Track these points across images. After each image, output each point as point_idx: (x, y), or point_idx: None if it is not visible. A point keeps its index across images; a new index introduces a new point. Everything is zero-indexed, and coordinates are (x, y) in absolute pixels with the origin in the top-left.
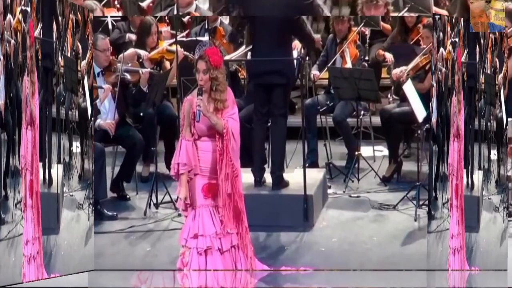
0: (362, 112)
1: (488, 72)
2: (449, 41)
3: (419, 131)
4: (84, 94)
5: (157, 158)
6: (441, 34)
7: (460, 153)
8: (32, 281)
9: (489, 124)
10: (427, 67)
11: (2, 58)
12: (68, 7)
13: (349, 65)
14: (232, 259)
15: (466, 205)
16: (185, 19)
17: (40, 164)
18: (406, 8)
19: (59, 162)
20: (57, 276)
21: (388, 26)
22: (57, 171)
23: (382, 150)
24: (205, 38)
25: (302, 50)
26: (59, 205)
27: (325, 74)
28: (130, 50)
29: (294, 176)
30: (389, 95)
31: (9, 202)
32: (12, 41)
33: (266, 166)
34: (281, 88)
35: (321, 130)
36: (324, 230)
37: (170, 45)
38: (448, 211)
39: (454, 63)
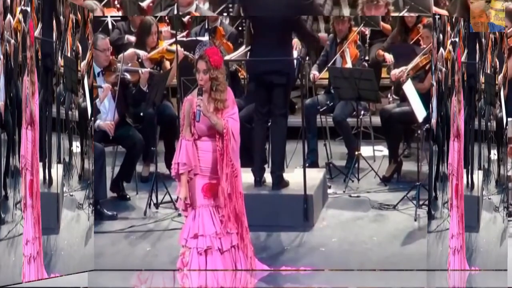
0: (362, 112)
1: (488, 72)
2: (449, 41)
3: (419, 131)
4: (84, 94)
5: (157, 158)
6: (441, 34)
7: (460, 153)
8: (32, 281)
9: (489, 124)
10: (427, 67)
11: (2, 57)
12: (68, 7)
13: (349, 65)
14: (232, 259)
15: (466, 205)
16: (185, 19)
17: (40, 164)
18: (406, 9)
19: (59, 162)
20: (57, 276)
21: (388, 26)
22: (57, 171)
23: (382, 150)
24: (205, 38)
25: (302, 50)
26: (59, 205)
27: (325, 74)
28: (130, 50)
29: (294, 176)
30: (389, 95)
31: (9, 202)
32: (12, 41)
33: (266, 166)
34: (281, 88)
35: (321, 130)
36: (324, 230)
37: (170, 45)
38: (448, 211)
39: (454, 63)
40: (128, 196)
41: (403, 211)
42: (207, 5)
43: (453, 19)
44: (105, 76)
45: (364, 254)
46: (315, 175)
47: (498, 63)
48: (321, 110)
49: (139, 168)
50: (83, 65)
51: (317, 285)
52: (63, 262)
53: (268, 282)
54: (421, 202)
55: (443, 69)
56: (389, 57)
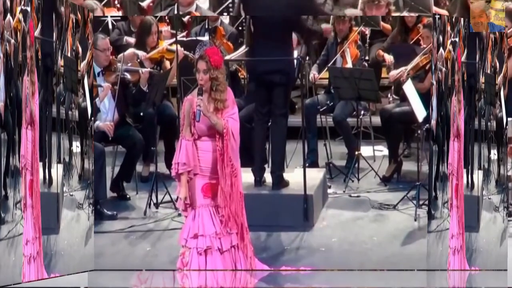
0: (362, 112)
1: (488, 72)
2: (449, 41)
3: (419, 131)
4: (84, 94)
5: (157, 158)
6: (441, 34)
7: (460, 153)
8: (32, 281)
9: (489, 124)
10: (427, 67)
11: (1, 56)
12: (68, 7)
13: (349, 65)
14: (232, 259)
15: (466, 205)
16: (185, 18)
17: (40, 164)
18: (406, 10)
19: (59, 162)
20: (57, 276)
21: (388, 26)
22: (57, 171)
23: (382, 150)
24: (205, 38)
25: (303, 50)
26: (59, 205)
27: (325, 74)
28: (129, 50)
29: (294, 176)
30: (389, 95)
31: (9, 202)
32: (12, 41)
33: (266, 165)
34: (281, 88)
35: (321, 130)
36: (324, 230)
37: (170, 44)
38: (448, 211)
39: (454, 62)
40: (128, 196)
41: (403, 211)
42: (207, 5)
43: (453, 19)
44: (105, 76)
45: (364, 254)
46: (315, 175)
47: (498, 63)
48: (321, 110)
49: (139, 168)
50: (83, 65)
51: (317, 285)
52: (63, 262)
53: (268, 282)
54: (421, 202)
55: (443, 69)
56: (388, 58)
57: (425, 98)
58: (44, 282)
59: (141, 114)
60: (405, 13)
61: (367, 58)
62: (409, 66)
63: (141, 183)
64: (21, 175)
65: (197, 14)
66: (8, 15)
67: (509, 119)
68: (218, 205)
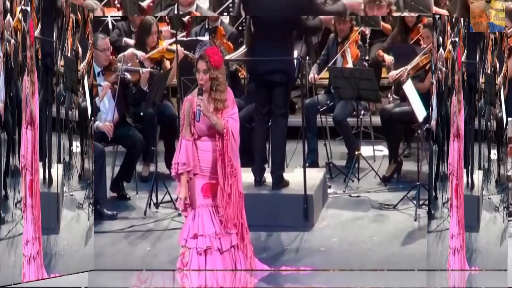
0: (362, 112)
1: (488, 72)
2: (449, 41)
3: (419, 131)
4: (84, 93)
5: (157, 158)
6: (441, 34)
7: (460, 153)
8: (32, 281)
9: (489, 123)
10: (427, 67)
11: (2, 55)
12: (68, 7)
13: (350, 65)
14: (232, 259)
15: (466, 205)
16: (185, 18)
17: (40, 164)
18: (406, 11)
19: (59, 161)
20: (57, 276)
21: (388, 26)
22: (57, 170)
23: (382, 150)
24: (206, 37)
25: (303, 50)
26: (59, 205)
27: (325, 73)
28: (129, 51)
29: (294, 175)
30: (389, 95)
31: (9, 202)
32: (12, 41)
33: (266, 165)
34: (281, 87)
35: (321, 130)
36: (324, 230)
37: (170, 44)
38: (448, 211)
39: (454, 62)
40: (128, 196)
41: (403, 211)
42: (207, 5)
43: (453, 19)
44: (105, 75)
45: (364, 254)
46: (315, 175)
47: (498, 63)
48: (321, 110)
49: (139, 168)
50: (83, 65)
51: (317, 285)
52: (63, 262)
53: (268, 282)
54: (421, 202)
55: (443, 69)
56: (388, 58)
57: (425, 98)
58: (44, 282)
59: (141, 114)
60: (405, 13)
61: (367, 58)
62: (409, 66)
63: (141, 183)
64: (21, 175)
65: (198, 14)
66: (8, 15)
67: (509, 119)
68: (218, 205)
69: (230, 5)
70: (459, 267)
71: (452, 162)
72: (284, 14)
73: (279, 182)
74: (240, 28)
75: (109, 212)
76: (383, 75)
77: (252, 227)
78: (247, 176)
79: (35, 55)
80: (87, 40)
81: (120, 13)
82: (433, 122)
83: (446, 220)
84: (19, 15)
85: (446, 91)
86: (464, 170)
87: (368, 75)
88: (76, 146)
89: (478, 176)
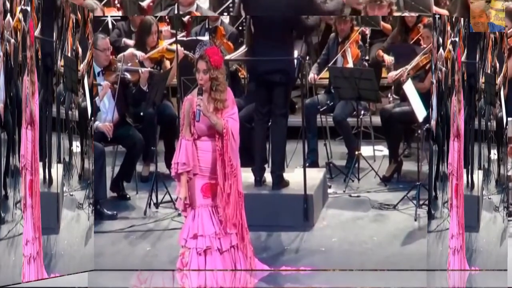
0: (362, 112)
1: (488, 71)
2: (449, 41)
3: (419, 131)
4: (84, 93)
5: (157, 158)
6: (441, 34)
7: (460, 153)
8: (32, 281)
9: (489, 123)
10: (427, 67)
11: (1, 54)
12: (69, 7)
13: (350, 65)
14: (232, 259)
15: (466, 205)
16: (185, 18)
17: (40, 164)
18: (407, 12)
19: (59, 161)
20: (57, 276)
21: (388, 26)
22: (57, 170)
23: (382, 150)
24: (206, 37)
25: (303, 50)
26: (59, 205)
27: (325, 73)
28: (129, 51)
29: (294, 175)
30: (389, 95)
31: (9, 202)
32: (12, 41)
33: (266, 165)
34: (281, 87)
35: (321, 130)
36: (324, 230)
37: (170, 44)
38: (448, 211)
39: (454, 62)
40: (128, 196)
41: (403, 211)
42: (207, 4)
43: (453, 19)
44: (105, 75)
45: (364, 254)
46: (315, 175)
47: (498, 63)
48: (321, 109)
49: (139, 167)
50: (83, 65)
51: (317, 285)
52: (63, 262)
53: (268, 282)
54: (421, 202)
55: (443, 69)
56: (387, 59)
57: (425, 98)
58: (44, 282)
59: (141, 114)
60: (405, 13)
61: (367, 58)
62: (409, 66)
63: (141, 183)
64: (21, 175)
65: (198, 14)
66: (8, 15)
67: (509, 119)
68: (217, 205)
69: (230, 5)
70: (459, 267)
71: (452, 162)
72: (284, 14)
73: (279, 182)
74: (240, 28)
75: (109, 212)
76: (383, 75)
77: (252, 227)
78: (247, 176)
79: (35, 55)
80: (87, 40)
81: (120, 13)
82: (433, 122)
83: (446, 220)
84: (19, 15)
85: (446, 91)
86: (464, 170)
87: (368, 75)
88: (76, 146)
89: (478, 176)
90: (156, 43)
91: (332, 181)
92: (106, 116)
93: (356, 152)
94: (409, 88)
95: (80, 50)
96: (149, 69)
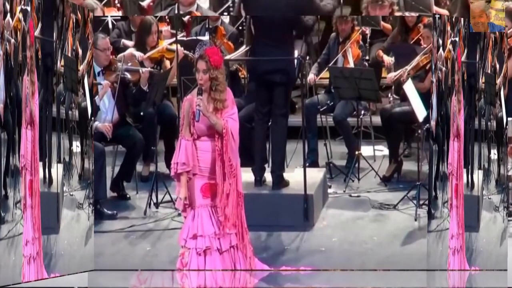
0: (362, 112)
1: (488, 71)
2: (449, 41)
3: (419, 131)
4: (84, 93)
5: (157, 158)
6: (442, 34)
7: (460, 153)
8: (32, 281)
9: (489, 123)
10: (427, 67)
11: (1, 53)
12: (69, 7)
13: (351, 65)
14: (231, 259)
15: (466, 204)
16: (185, 18)
17: (40, 164)
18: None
19: (59, 161)
20: (57, 276)
21: (388, 26)
22: (57, 170)
23: (383, 150)
24: (206, 37)
25: (303, 49)
26: (59, 205)
27: (325, 73)
28: (128, 51)
29: (294, 175)
30: (389, 95)
31: (9, 201)
32: (12, 40)
33: (266, 165)
34: (281, 87)
35: (321, 130)
36: (324, 230)
37: (170, 44)
38: (448, 211)
39: (454, 62)
40: (128, 196)
41: (404, 211)
42: (207, 4)
43: (453, 19)
44: (105, 75)
45: (364, 254)
46: (315, 175)
47: (498, 63)
48: (321, 109)
49: (139, 167)
50: (83, 65)
51: (317, 285)
52: (63, 262)
53: (268, 282)
54: (421, 202)
55: (443, 69)
56: (387, 59)
57: (426, 98)
58: (44, 282)
59: (141, 113)
60: (405, 13)
61: (367, 58)
62: (409, 66)
63: (141, 182)
64: (20, 175)
65: (198, 14)
66: (8, 15)
67: (509, 119)
68: (217, 205)
69: (231, 5)
70: (459, 267)
71: (452, 162)
72: (284, 14)
73: (279, 182)
74: (240, 28)
75: (109, 212)
76: (383, 75)
77: (252, 227)
78: (247, 176)
79: (35, 55)
80: (87, 40)
81: (120, 13)
82: (433, 122)
83: (446, 220)
84: (19, 15)
85: (446, 91)
86: (464, 170)
87: (368, 75)
88: (76, 146)
89: (478, 176)
90: (156, 43)
91: (332, 181)
92: (106, 115)
93: (356, 152)
94: (409, 88)
95: (80, 50)
96: (149, 69)
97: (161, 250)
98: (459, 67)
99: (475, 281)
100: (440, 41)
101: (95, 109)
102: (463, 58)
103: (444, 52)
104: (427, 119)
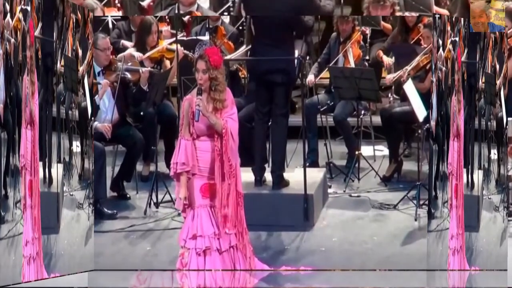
0: (362, 112)
1: (489, 71)
2: (449, 41)
3: (419, 131)
4: (84, 93)
5: (157, 158)
6: (442, 34)
7: (459, 153)
8: (32, 281)
9: (489, 123)
10: (427, 67)
11: (1, 52)
12: (69, 7)
13: (352, 65)
14: (231, 259)
15: (466, 204)
16: (186, 18)
17: (40, 164)
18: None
19: (59, 161)
20: (57, 276)
21: (388, 26)
22: (57, 170)
23: (383, 150)
24: (206, 37)
25: (303, 49)
26: (59, 205)
27: (326, 73)
28: (128, 51)
29: (294, 175)
30: (389, 95)
31: (9, 201)
32: (12, 40)
33: (266, 165)
34: (282, 87)
35: (322, 130)
36: (325, 230)
37: (170, 44)
38: (448, 210)
39: (454, 62)
40: (128, 196)
41: (404, 210)
42: (207, 4)
43: (453, 19)
44: (106, 75)
45: (365, 254)
46: (316, 175)
47: (498, 63)
48: (321, 109)
49: (139, 167)
50: (83, 65)
51: (317, 285)
52: (63, 262)
53: (268, 282)
54: (421, 202)
55: (443, 68)
56: (386, 60)
57: (426, 98)
58: (44, 282)
59: (141, 113)
60: (406, 13)
61: (367, 58)
62: (409, 67)
63: (141, 182)
64: (20, 174)
65: (199, 14)
66: (8, 15)
67: (509, 119)
68: (216, 206)
69: (231, 5)
70: (459, 267)
71: (452, 162)
72: (284, 14)
73: (280, 181)
74: (240, 28)
75: (109, 211)
76: (383, 75)
77: (252, 227)
78: (247, 175)
79: (35, 55)
80: (87, 40)
81: (120, 13)
82: (432, 122)
83: (446, 220)
84: (19, 15)
85: (446, 90)
86: (464, 170)
87: (369, 75)
88: (76, 146)
89: (478, 176)
90: (156, 42)
91: (332, 181)
92: (106, 115)
93: (356, 152)
94: (410, 88)
95: (80, 50)
96: (149, 68)
97: (161, 250)
98: (459, 67)
99: (475, 281)
100: (440, 41)
101: (95, 108)
102: (463, 58)
103: (444, 52)
104: (427, 119)
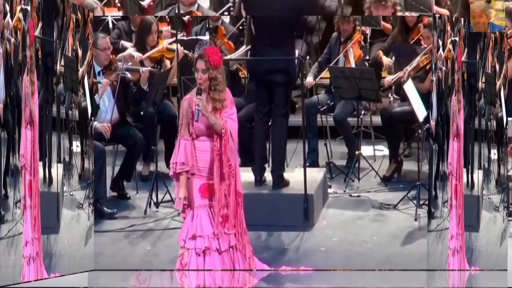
0: (362, 112)
1: (489, 71)
2: (449, 40)
3: (419, 131)
4: (84, 93)
5: (157, 157)
6: (442, 34)
7: (459, 153)
8: (32, 281)
9: (489, 123)
10: (427, 67)
11: (1, 51)
12: (69, 6)
13: (352, 65)
14: (231, 259)
15: (466, 204)
16: (186, 18)
17: (40, 164)
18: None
19: (59, 161)
20: (57, 276)
21: (388, 26)
22: (57, 170)
23: (383, 150)
24: (206, 37)
25: (303, 49)
26: (59, 205)
27: (326, 73)
28: (127, 51)
29: (294, 175)
30: (389, 95)
31: (9, 201)
32: (12, 40)
33: (266, 165)
34: (282, 87)
35: (322, 130)
36: (325, 230)
37: (170, 43)
38: (448, 210)
39: (454, 62)
40: (128, 195)
41: (404, 210)
42: (208, 4)
43: (453, 19)
44: (106, 75)
45: (365, 254)
46: (316, 175)
47: (498, 63)
48: (321, 109)
49: (139, 167)
50: (83, 65)
51: (317, 285)
52: (63, 262)
53: (268, 282)
54: (421, 202)
55: (443, 68)
56: (386, 60)
57: (426, 98)
58: (44, 282)
59: (142, 113)
60: (406, 13)
61: (367, 58)
62: (409, 67)
63: (141, 182)
64: (20, 174)
65: (199, 13)
66: (8, 14)
67: (509, 118)
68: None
69: (231, 5)
70: (459, 267)
71: (452, 162)
72: (284, 14)
73: (280, 181)
74: (240, 28)
75: (109, 210)
76: (384, 74)
77: (252, 227)
78: (247, 175)
79: (35, 55)
80: (87, 40)
81: (120, 13)
82: (432, 122)
83: (446, 220)
84: (19, 15)
85: (446, 90)
86: (464, 170)
87: (369, 74)
88: (76, 146)
89: (478, 176)
90: (156, 42)
91: (332, 181)
92: (106, 115)
93: (357, 152)
94: (410, 88)
95: (80, 50)
96: (149, 68)
97: (161, 249)
98: (459, 67)
99: (475, 281)
100: (440, 41)
101: (95, 108)
102: (463, 58)
103: (444, 52)
104: (427, 119)
